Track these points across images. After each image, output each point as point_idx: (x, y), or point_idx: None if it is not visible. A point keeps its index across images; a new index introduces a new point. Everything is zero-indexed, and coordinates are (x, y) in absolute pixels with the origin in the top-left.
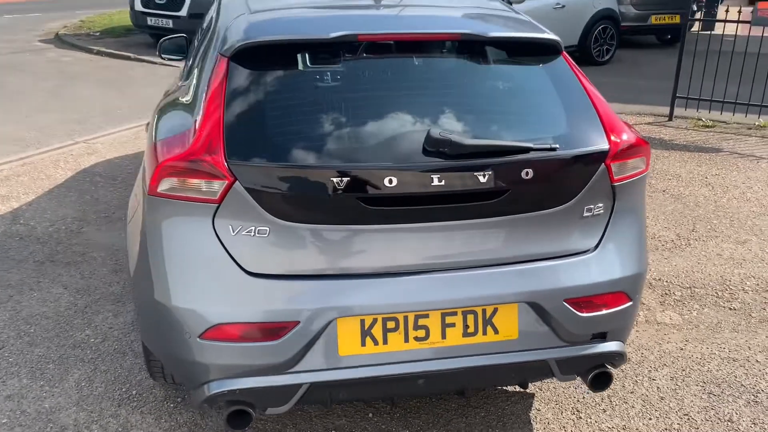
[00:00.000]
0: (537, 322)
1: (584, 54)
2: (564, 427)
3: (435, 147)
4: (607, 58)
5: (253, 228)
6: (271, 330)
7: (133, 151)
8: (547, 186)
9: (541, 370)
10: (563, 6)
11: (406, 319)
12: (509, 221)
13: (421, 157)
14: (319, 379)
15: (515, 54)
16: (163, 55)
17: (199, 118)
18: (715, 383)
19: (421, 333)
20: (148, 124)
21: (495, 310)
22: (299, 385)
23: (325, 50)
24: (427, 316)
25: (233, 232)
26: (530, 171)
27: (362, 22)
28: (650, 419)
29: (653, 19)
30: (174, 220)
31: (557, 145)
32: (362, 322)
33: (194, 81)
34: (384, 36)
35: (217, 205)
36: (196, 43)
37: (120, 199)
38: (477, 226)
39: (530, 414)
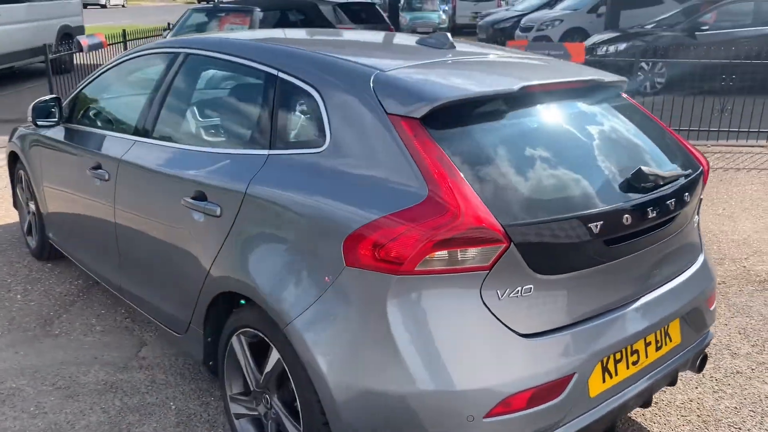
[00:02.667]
0: (690, 323)
1: None
2: None
3: (645, 182)
4: None
5: (519, 288)
6: (553, 389)
7: None
8: (689, 205)
9: (685, 365)
10: None
11: (628, 348)
12: (674, 239)
13: (636, 193)
14: (580, 426)
15: (614, 95)
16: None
17: (425, 183)
18: None
19: (635, 357)
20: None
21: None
22: None
23: (510, 102)
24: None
25: (500, 296)
26: (687, 194)
27: (523, 73)
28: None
29: None
30: (435, 296)
31: (690, 170)
32: (604, 360)
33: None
34: (553, 85)
35: (487, 271)
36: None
37: None
38: (660, 249)
39: None
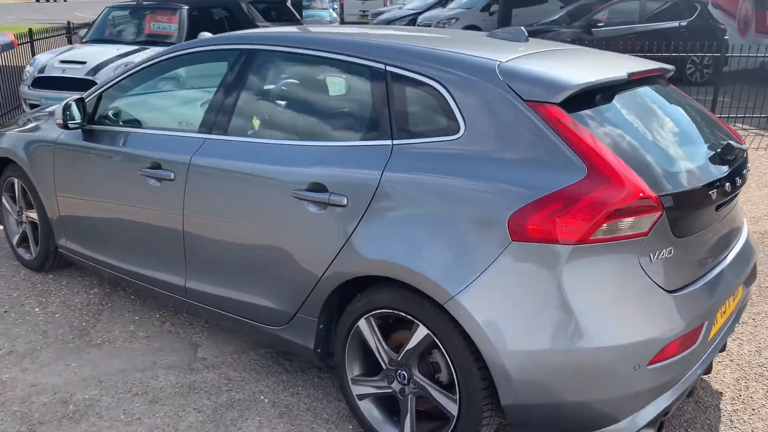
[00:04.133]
0: (745, 281)
1: None
2: None
3: (733, 155)
4: None
5: (665, 250)
6: (692, 336)
7: None
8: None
9: (739, 316)
10: None
11: (730, 298)
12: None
13: (727, 165)
14: (704, 366)
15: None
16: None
17: (581, 161)
18: None
19: (725, 307)
20: None
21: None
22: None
23: (618, 88)
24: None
25: (652, 259)
26: (748, 165)
27: (615, 63)
28: None
29: None
30: (602, 262)
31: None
32: (721, 309)
33: (471, 132)
34: (650, 71)
35: (644, 237)
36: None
37: None
38: (733, 214)
39: None
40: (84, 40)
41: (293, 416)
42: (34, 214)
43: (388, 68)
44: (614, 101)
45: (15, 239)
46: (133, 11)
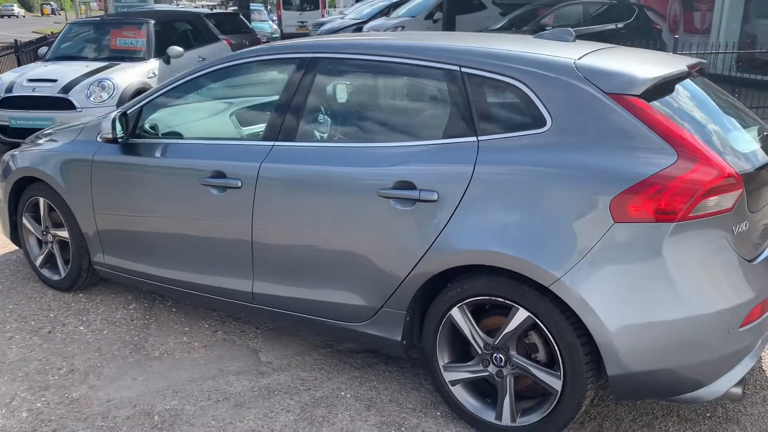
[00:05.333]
0: None
1: None
2: None
3: None
4: None
5: (743, 224)
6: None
7: None
8: None
9: None
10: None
11: None
12: None
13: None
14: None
15: None
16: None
17: (670, 146)
18: None
19: None
20: None
21: None
22: None
23: (677, 80)
24: None
25: (734, 231)
26: None
27: (667, 59)
28: None
29: None
30: (698, 236)
31: None
32: None
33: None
34: (697, 65)
35: (730, 212)
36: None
37: None
38: None
39: None
40: (46, 58)
41: (379, 408)
42: (63, 233)
43: (463, 70)
44: (677, 92)
45: (39, 260)
46: (97, 27)
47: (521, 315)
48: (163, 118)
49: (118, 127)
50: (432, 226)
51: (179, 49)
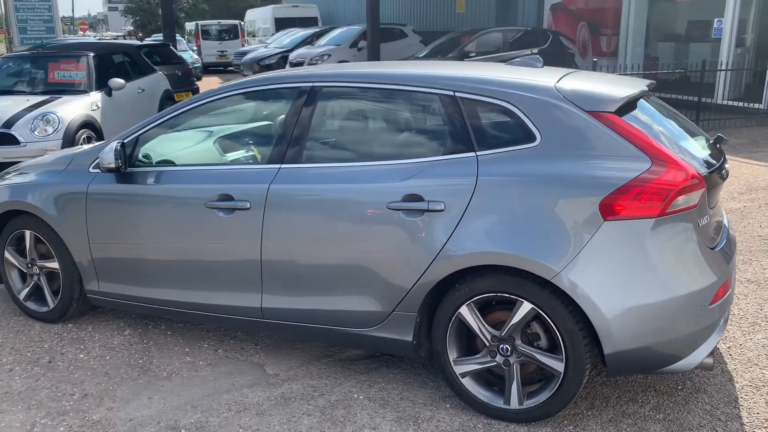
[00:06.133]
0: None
1: None
2: None
3: (716, 150)
4: None
5: (705, 218)
6: (728, 282)
7: None
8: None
9: None
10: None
11: None
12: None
13: (718, 157)
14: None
15: None
16: None
17: (644, 154)
18: None
19: None
20: None
21: None
22: None
23: (639, 98)
24: None
25: (699, 224)
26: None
27: (631, 81)
28: None
29: None
30: (672, 228)
31: None
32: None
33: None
34: (650, 84)
35: (695, 208)
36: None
37: None
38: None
39: None
40: None
41: (393, 405)
42: (52, 264)
43: (457, 94)
44: (640, 108)
45: (23, 294)
46: (33, 61)
47: (525, 307)
48: (162, 146)
49: (119, 157)
50: (440, 234)
51: (121, 81)
